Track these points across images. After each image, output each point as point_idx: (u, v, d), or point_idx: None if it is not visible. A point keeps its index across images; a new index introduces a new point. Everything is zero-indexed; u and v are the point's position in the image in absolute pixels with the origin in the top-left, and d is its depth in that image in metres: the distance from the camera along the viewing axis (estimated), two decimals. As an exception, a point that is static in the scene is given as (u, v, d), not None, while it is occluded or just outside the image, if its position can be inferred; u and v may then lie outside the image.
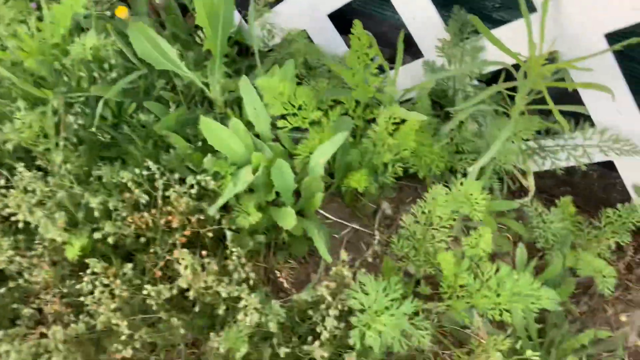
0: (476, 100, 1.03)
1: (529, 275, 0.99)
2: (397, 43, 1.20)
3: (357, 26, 1.12)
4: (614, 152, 1.09)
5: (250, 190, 1.22)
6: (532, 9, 1.05)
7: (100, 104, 1.18)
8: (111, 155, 1.29)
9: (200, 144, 1.26)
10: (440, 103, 1.31)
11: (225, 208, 1.20)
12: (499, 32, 1.11)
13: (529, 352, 0.94)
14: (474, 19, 1.02)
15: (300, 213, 1.26)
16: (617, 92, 1.07)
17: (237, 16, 1.56)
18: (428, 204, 1.07)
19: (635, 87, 1.06)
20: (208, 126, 1.12)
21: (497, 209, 1.16)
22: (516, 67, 1.10)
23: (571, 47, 1.05)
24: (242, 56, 1.60)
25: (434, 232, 1.08)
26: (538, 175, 1.35)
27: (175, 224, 1.13)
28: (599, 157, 1.14)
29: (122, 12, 1.21)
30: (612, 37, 1.01)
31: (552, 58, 1.08)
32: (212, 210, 1.09)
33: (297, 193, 1.21)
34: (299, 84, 1.31)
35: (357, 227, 1.37)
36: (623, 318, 1.25)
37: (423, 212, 1.09)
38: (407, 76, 1.32)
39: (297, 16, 1.41)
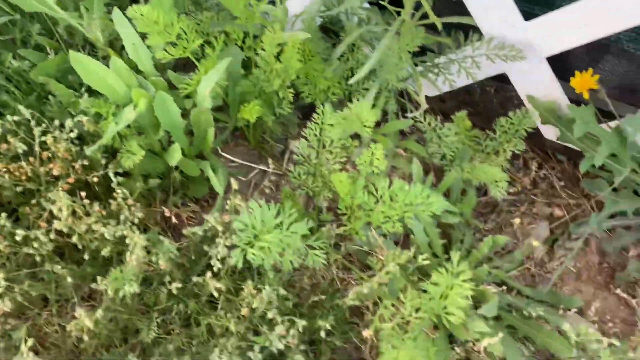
0: (363, 29, 0.99)
1: (419, 185, 0.97)
2: (281, -32, 1.15)
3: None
4: (500, 58, 1.08)
5: (140, 134, 1.16)
6: None
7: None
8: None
9: (85, 89, 1.18)
10: (334, 31, 1.27)
11: (114, 154, 1.13)
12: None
13: (421, 258, 0.92)
14: None
15: (200, 156, 1.21)
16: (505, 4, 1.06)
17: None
18: (318, 125, 1.04)
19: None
20: (81, 63, 1.05)
21: (391, 129, 1.13)
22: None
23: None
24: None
25: (328, 155, 1.05)
26: (440, 99, 1.34)
27: (56, 172, 1.06)
28: (487, 67, 1.13)
29: None
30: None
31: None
32: (89, 151, 1.03)
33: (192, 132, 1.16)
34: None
35: (265, 168, 1.33)
36: (529, 231, 1.26)
37: (315, 135, 1.06)
38: (300, 3, 1.28)
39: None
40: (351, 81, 1.04)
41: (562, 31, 1.06)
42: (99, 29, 1.18)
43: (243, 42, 1.19)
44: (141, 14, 1.03)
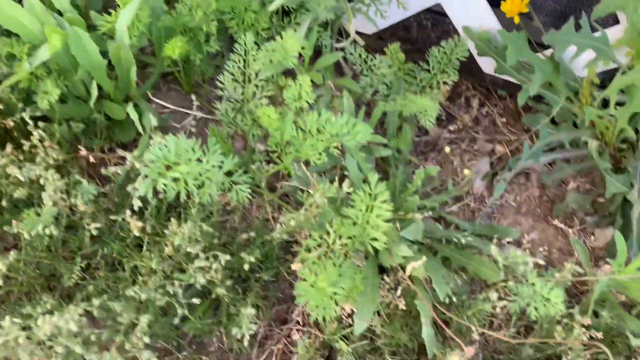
0: None
1: (346, 116, 0.94)
2: None
3: None
4: (429, -16, 1.05)
5: (63, 75, 1.10)
6: None
7: None
8: None
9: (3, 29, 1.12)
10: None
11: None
12: None
13: (346, 187, 0.90)
14: None
15: (127, 99, 1.16)
16: None
17: None
18: (240, 56, 1.00)
19: None
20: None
21: (323, 63, 1.10)
22: None
23: None
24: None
25: (255, 89, 1.02)
26: (378, 37, 1.31)
27: (-31, 116, 1.01)
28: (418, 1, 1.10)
29: None
30: None
31: None
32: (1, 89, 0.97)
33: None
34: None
35: (201, 114, 1.29)
36: (470, 167, 1.25)
37: (239, 68, 1.02)
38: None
39: None
40: (271, 8, 0.99)
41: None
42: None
43: (166, -24, 1.14)
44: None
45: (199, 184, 0.87)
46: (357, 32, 1.21)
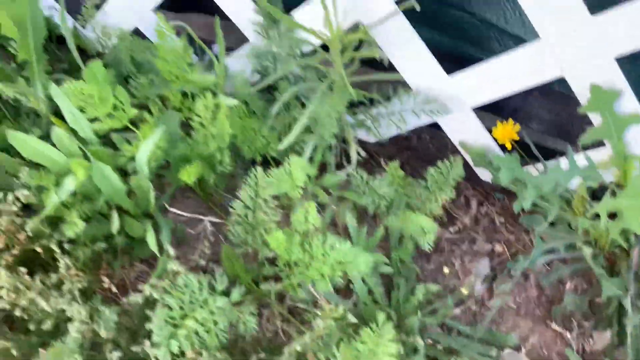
0: (275, 77, 1.04)
1: (348, 243, 1.01)
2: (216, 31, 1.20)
3: (160, 19, 1.11)
4: (425, 113, 1.13)
5: (87, 199, 1.19)
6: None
7: None
8: None
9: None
10: (274, 87, 1.31)
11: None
12: (300, 13, 1.13)
13: (349, 315, 0.97)
14: (268, 7, 1.02)
15: (147, 215, 1.25)
16: (420, 55, 1.11)
17: (71, 20, 1.51)
18: (252, 187, 1.08)
19: (438, 53, 1.10)
20: (18, 140, 1.08)
21: (327, 182, 1.18)
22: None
23: (367, 17, 1.07)
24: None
25: (263, 216, 1.09)
26: (379, 144, 1.39)
27: (1, 245, 1.09)
28: (414, 120, 1.18)
29: None
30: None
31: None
32: (31, 224, 1.06)
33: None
34: (127, 82, 1.29)
35: (215, 219, 1.37)
36: (470, 269, 1.31)
37: (250, 197, 1.10)
38: (239, 62, 1.32)
39: (125, 16, 1.38)
40: (281, 146, 1.08)
41: (484, 85, 1.11)
42: (41, 99, 1.22)
43: (182, 103, 1.23)
44: (77, 90, 1.07)
45: (207, 330, 0.94)
46: (359, 140, 1.30)
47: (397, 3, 1.04)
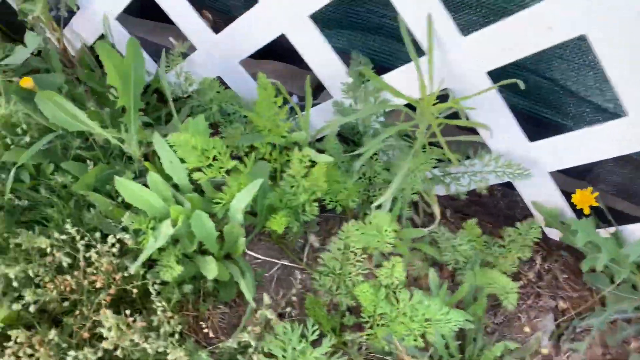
0: (379, 139, 1.10)
1: (438, 300, 1.06)
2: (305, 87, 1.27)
3: (261, 79, 1.18)
4: (507, 176, 1.19)
5: (176, 241, 1.24)
6: (421, 52, 1.13)
7: (13, 171, 1.18)
8: (31, 219, 1.29)
9: (121, 199, 1.28)
10: (352, 140, 1.38)
11: (152, 262, 1.22)
12: (391, 76, 1.19)
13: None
14: (366, 70, 1.09)
15: (228, 257, 1.30)
16: (505, 122, 1.17)
17: (154, 65, 1.59)
18: (342, 240, 1.14)
19: (520, 117, 1.16)
20: (123, 186, 1.15)
21: (406, 235, 1.23)
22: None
23: (459, 85, 1.14)
24: (163, 103, 1.63)
25: (351, 267, 1.14)
26: (450, 197, 1.44)
27: (99, 284, 1.14)
28: (496, 181, 1.23)
29: (26, 82, 1.21)
30: (494, 73, 1.11)
31: (444, 95, 1.17)
32: (134, 269, 1.11)
33: (222, 237, 1.25)
34: (216, 132, 1.36)
35: (287, 263, 1.42)
36: (536, 324, 1.34)
37: (339, 249, 1.15)
38: (321, 116, 1.39)
39: (209, 64, 1.46)
40: (374, 205, 1.13)
41: (566, 153, 1.16)
42: (136, 144, 1.29)
43: (270, 154, 1.30)
44: (182, 141, 1.13)
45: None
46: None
47: (489, 73, 1.11)
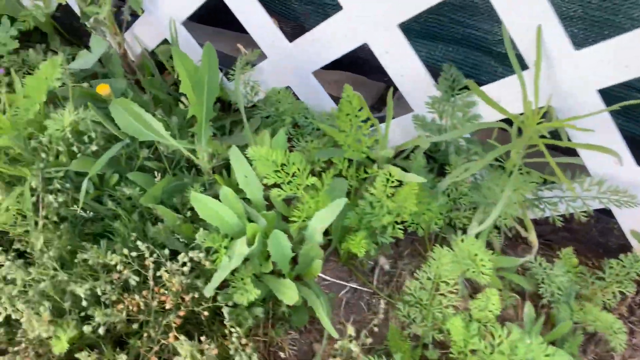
0: (479, 167, 1.01)
1: (540, 339, 0.96)
2: (386, 99, 1.18)
3: (348, 90, 1.10)
4: (613, 203, 1.09)
5: (245, 258, 1.17)
6: (523, 66, 1.04)
7: (86, 181, 1.12)
8: (95, 231, 1.22)
9: (189, 213, 1.21)
10: (433, 156, 1.29)
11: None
12: (491, 88, 1.10)
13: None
14: (470, 83, 1.01)
15: (297, 277, 1.22)
16: (613, 144, 1.07)
17: (220, 74, 1.52)
18: (432, 267, 1.04)
19: (631, 142, 1.06)
20: (199, 200, 1.08)
21: (500, 265, 1.13)
22: (508, 121, 1.10)
23: (565, 103, 1.04)
24: (224, 112, 1.56)
25: (441, 298, 1.05)
26: (535, 222, 1.34)
27: (168, 305, 1.07)
28: (597, 207, 1.13)
29: (103, 89, 1.15)
30: (605, 92, 1.01)
31: (545, 112, 1.07)
32: (209, 291, 1.04)
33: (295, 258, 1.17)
34: (289, 145, 1.29)
35: (356, 286, 1.33)
36: (631, 364, 1.23)
37: (429, 278, 1.06)
38: (397, 129, 1.31)
39: (280, 74, 1.39)
40: (471, 231, 1.04)
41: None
42: (207, 156, 1.22)
43: (347, 169, 1.21)
44: (260, 155, 1.06)
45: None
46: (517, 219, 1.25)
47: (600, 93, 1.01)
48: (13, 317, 1.03)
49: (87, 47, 1.72)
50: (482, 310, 1.04)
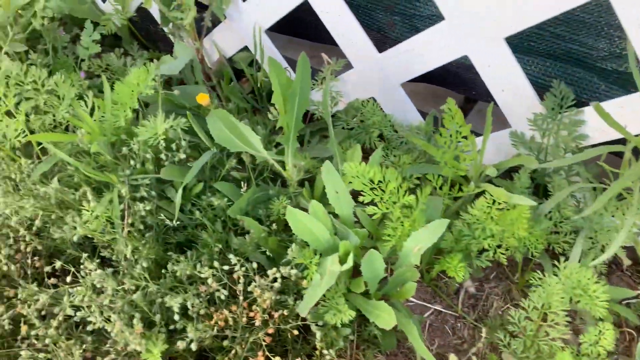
0: (603, 200, 0.94)
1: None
2: (486, 115, 1.13)
3: (450, 104, 1.05)
4: None
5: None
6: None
7: (180, 191, 1.10)
8: (180, 240, 1.20)
9: (274, 225, 1.17)
10: (530, 176, 1.22)
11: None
12: (605, 106, 1.04)
13: None
14: (596, 106, 0.94)
15: (383, 298, 1.17)
16: None
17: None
18: (541, 296, 0.98)
19: None
20: (292, 215, 1.04)
21: (614, 297, 1.06)
22: (622, 141, 1.03)
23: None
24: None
25: (549, 330, 0.98)
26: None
27: (258, 322, 1.03)
28: None
29: (202, 99, 1.13)
30: None
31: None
32: (304, 311, 1.00)
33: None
34: (365, 159, 1.24)
35: (440, 308, 1.27)
36: None
37: (535, 308, 0.99)
38: (491, 146, 1.25)
39: (366, 85, 1.35)
40: (593, 263, 0.97)
41: None
42: (294, 168, 1.18)
43: (440, 187, 1.16)
44: (357, 172, 1.02)
45: None
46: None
47: None
48: (103, 327, 1.02)
49: (164, 52, 1.72)
50: (592, 345, 0.97)
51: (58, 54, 1.51)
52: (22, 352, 0.98)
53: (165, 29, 1.54)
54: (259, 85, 1.47)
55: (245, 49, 1.53)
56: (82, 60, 1.54)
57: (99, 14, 1.61)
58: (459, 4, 1.06)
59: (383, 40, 1.45)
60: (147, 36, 1.78)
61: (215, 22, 1.53)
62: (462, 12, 1.07)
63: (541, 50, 1.22)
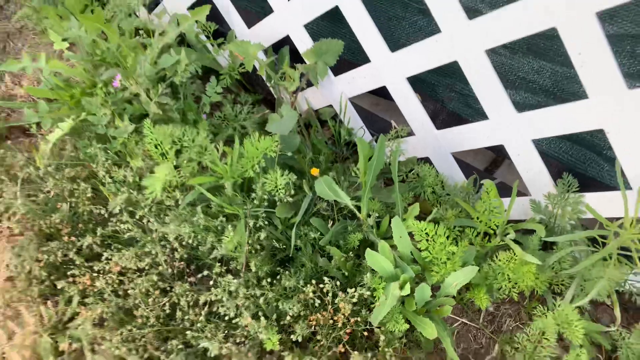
0: (582, 252, 1.36)
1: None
2: (512, 187, 1.55)
3: (488, 186, 1.47)
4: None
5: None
6: (628, 186, 1.38)
7: (294, 228, 1.57)
8: (282, 257, 1.68)
9: (351, 254, 1.63)
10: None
11: (366, 305, 1.57)
12: (593, 196, 1.45)
13: None
14: (589, 207, 1.36)
15: (427, 312, 1.62)
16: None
17: (369, 136, 1.93)
18: (539, 324, 1.42)
19: None
20: (370, 254, 1.50)
21: (589, 329, 1.49)
22: (610, 219, 1.44)
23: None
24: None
25: (542, 349, 1.43)
26: (618, 293, 1.67)
27: (339, 324, 1.51)
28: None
29: (315, 171, 1.59)
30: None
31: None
32: (375, 321, 1.46)
33: (427, 300, 1.57)
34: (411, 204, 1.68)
35: (466, 321, 1.72)
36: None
37: (533, 334, 1.44)
38: (517, 205, 1.67)
39: (423, 148, 1.77)
40: (575, 305, 1.41)
41: None
42: (368, 213, 1.63)
43: (474, 237, 1.60)
44: (417, 227, 1.46)
45: None
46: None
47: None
48: (235, 320, 1.51)
49: (260, 93, 2.18)
50: (573, 364, 1.41)
51: (187, 99, 1.98)
52: (188, 333, 1.47)
53: (268, 83, 1.99)
54: (338, 134, 1.92)
55: (330, 106, 1.97)
56: (204, 104, 2.01)
57: (220, 67, 2.07)
58: (500, 111, 1.47)
59: (441, 109, 1.87)
60: (248, 79, 2.23)
61: (309, 84, 1.97)
62: (501, 117, 1.48)
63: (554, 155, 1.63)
